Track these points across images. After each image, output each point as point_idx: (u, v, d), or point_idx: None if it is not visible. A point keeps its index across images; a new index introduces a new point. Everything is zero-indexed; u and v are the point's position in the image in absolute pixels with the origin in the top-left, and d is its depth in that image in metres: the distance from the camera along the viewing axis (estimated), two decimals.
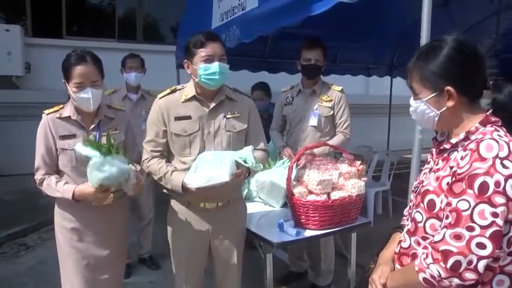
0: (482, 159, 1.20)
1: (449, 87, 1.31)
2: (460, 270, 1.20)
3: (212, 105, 2.27)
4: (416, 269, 1.29)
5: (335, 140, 3.24)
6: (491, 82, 1.36)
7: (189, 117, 2.25)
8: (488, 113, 1.34)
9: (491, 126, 1.30)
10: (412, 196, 1.52)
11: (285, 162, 3.12)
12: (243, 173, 2.17)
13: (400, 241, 1.50)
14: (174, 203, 2.40)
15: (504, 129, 1.30)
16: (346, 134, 3.32)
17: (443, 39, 1.35)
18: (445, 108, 1.34)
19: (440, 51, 1.33)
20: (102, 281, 2.36)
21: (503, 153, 1.20)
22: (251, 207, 2.77)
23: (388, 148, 7.11)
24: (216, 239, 2.38)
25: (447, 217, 1.25)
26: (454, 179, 1.26)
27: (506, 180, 1.18)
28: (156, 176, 2.26)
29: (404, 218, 1.61)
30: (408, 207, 1.58)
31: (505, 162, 1.19)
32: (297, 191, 2.52)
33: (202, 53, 2.18)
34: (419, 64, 1.37)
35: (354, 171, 2.66)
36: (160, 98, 2.30)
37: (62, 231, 2.32)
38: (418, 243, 1.39)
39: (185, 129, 2.24)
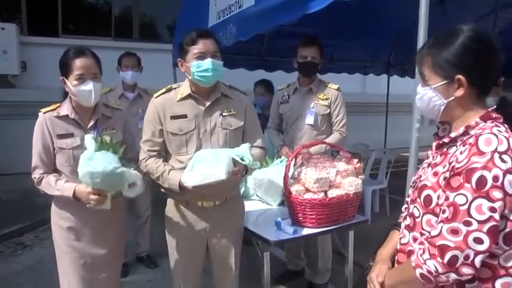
0: (481, 153, 1.19)
1: (460, 76, 1.29)
2: (457, 265, 1.20)
3: (208, 103, 2.27)
4: (413, 264, 1.29)
5: (331, 139, 3.23)
6: (502, 79, 1.34)
7: (184, 116, 2.24)
8: (490, 109, 1.32)
9: (492, 122, 1.29)
10: (410, 191, 1.51)
11: (283, 160, 3.13)
12: (240, 171, 2.16)
13: (401, 238, 1.50)
14: (171, 202, 2.39)
15: (506, 125, 1.29)
16: (342, 132, 3.32)
17: (460, 28, 1.32)
18: (452, 97, 1.32)
19: (456, 39, 1.30)
20: (99, 280, 2.35)
21: (502, 147, 1.19)
22: (248, 206, 2.77)
23: (385, 146, 7.12)
24: (213, 237, 2.37)
25: (444, 211, 1.24)
26: (451, 173, 1.25)
27: (504, 175, 1.17)
28: (154, 176, 2.25)
29: (402, 215, 1.60)
30: (405, 203, 1.57)
31: (504, 156, 1.18)
32: (294, 189, 2.53)
33: (194, 50, 2.18)
34: (433, 50, 1.35)
35: (351, 169, 2.66)
36: (156, 98, 2.30)
37: (59, 230, 2.31)
38: (415, 240, 1.39)
39: (181, 128, 2.24)
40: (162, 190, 2.36)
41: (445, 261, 1.21)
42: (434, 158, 1.41)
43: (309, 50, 3.27)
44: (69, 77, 2.18)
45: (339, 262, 3.26)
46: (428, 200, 1.33)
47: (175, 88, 2.33)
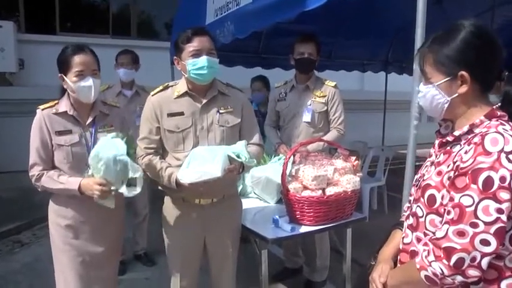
0: (487, 153, 1.17)
1: (463, 72, 1.26)
2: (464, 268, 1.17)
3: (204, 100, 2.27)
4: (418, 266, 1.26)
5: (329, 136, 3.23)
6: (506, 73, 1.32)
7: (181, 113, 2.24)
8: (495, 107, 1.30)
9: (497, 120, 1.26)
10: (412, 190, 1.48)
11: (281, 158, 3.13)
12: (236, 168, 2.15)
13: (403, 237, 1.47)
14: (168, 199, 2.39)
15: (511, 124, 1.26)
16: (340, 129, 3.31)
17: (461, 23, 1.30)
18: (456, 94, 1.30)
19: (457, 35, 1.28)
20: (96, 278, 2.35)
21: (509, 147, 1.16)
22: (246, 203, 2.77)
23: (383, 144, 7.13)
24: (211, 235, 2.37)
25: (449, 212, 1.21)
26: (456, 173, 1.22)
27: (511, 175, 1.15)
28: (151, 173, 2.25)
29: (404, 214, 1.56)
30: (408, 202, 1.54)
31: (511, 156, 1.15)
32: (292, 186, 2.53)
33: (189, 47, 2.17)
34: (434, 47, 1.32)
35: (349, 167, 2.66)
36: (153, 95, 2.30)
37: (57, 229, 2.31)
38: (418, 240, 1.36)
39: (178, 126, 2.24)
40: (160, 187, 2.36)
41: (451, 263, 1.18)
42: (438, 156, 1.38)
43: (306, 47, 3.27)
44: (68, 73, 2.18)
45: (337, 260, 3.26)
46: (432, 199, 1.31)
47: (172, 86, 2.32)
